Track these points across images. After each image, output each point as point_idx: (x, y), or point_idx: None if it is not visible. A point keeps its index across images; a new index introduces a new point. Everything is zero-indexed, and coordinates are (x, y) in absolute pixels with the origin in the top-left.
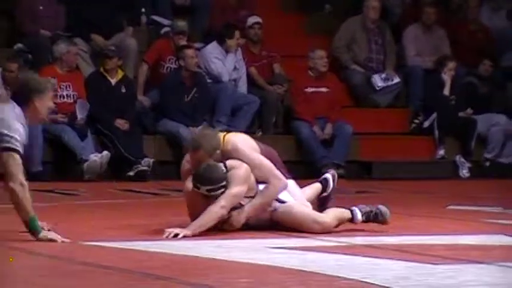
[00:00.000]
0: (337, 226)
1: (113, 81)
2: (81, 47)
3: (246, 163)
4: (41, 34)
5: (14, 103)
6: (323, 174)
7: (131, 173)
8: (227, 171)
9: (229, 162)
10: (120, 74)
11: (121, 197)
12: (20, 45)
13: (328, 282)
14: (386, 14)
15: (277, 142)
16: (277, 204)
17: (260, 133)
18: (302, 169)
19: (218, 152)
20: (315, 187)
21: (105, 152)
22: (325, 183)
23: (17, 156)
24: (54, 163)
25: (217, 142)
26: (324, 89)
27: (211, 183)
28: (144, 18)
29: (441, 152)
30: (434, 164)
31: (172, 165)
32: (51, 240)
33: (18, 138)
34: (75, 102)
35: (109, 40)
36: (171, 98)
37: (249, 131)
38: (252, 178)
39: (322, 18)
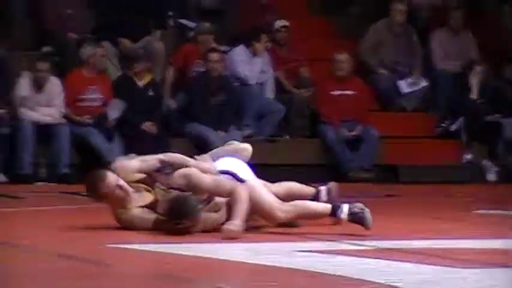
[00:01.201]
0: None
1: (141, 84)
2: (108, 51)
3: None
4: (68, 37)
5: None
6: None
7: None
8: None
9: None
10: (148, 77)
11: None
12: (47, 48)
13: (354, 286)
14: (413, 17)
15: (303, 146)
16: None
17: (287, 137)
18: (328, 173)
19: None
20: (306, 189)
21: (132, 155)
22: (316, 195)
23: None
24: (81, 165)
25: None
26: (349, 92)
27: (194, 212)
28: (171, 22)
29: (468, 156)
30: (461, 168)
31: None
32: None
33: None
34: (102, 105)
35: (136, 43)
36: (198, 102)
37: (275, 135)
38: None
39: (349, 21)
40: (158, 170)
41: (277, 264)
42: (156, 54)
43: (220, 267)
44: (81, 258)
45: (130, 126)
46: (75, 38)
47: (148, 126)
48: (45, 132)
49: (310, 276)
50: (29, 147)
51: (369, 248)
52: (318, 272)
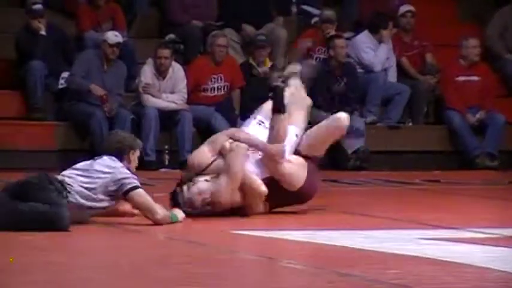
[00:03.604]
0: None
1: (261, 70)
2: (232, 38)
3: None
4: (192, 24)
5: (114, 157)
6: None
7: None
8: None
9: None
10: (267, 64)
11: None
12: (171, 35)
13: (478, 274)
14: None
15: (428, 132)
16: None
17: (410, 123)
18: (454, 159)
19: None
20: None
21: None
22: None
23: (141, 191)
24: None
25: None
26: (475, 78)
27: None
28: (294, 8)
29: None
30: None
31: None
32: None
33: (134, 177)
34: (227, 93)
35: (259, 30)
36: (320, 89)
37: (400, 122)
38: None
39: (474, 5)
40: None
41: (401, 252)
42: (278, 40)
43: (343, 255)
44: (207, 245)
45: (251, 112)
46: (199, 26)
47: None
48: (168, 118)
49: (433, 264)
50: (153, 134)
51: (492, 236)
52: (442, 260)
